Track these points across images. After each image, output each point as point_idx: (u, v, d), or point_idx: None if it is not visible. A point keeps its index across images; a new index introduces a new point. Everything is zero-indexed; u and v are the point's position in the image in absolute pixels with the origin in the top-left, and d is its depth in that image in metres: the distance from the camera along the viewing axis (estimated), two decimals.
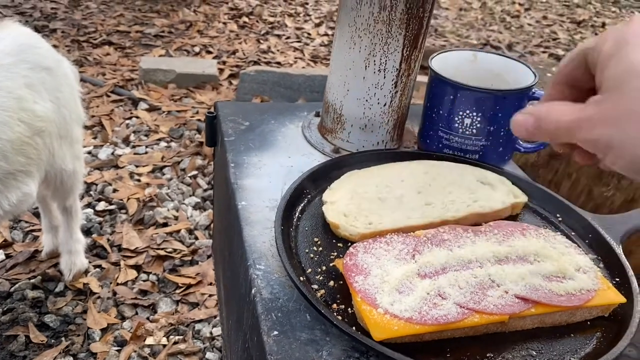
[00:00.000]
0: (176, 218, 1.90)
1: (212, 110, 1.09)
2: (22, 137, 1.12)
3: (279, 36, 3.72)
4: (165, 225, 1.86)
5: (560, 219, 0.87)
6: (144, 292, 1.60)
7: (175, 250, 1.76)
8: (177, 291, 1.62)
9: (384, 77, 0.94)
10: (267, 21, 3.96)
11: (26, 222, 1.81)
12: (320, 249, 0.76)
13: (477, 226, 0.79)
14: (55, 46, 3.22)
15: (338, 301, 0.68)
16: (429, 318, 0.63)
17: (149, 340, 1.44)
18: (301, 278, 0.68)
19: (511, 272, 0.69)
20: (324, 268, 0.73)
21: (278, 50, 3.48)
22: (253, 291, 0.69)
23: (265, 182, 0.89)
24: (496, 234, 0.76)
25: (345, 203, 0.82)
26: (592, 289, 0.69)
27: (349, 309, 0.67)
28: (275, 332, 0.63)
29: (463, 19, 4.65)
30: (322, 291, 0.69)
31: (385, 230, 0.78)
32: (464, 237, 0.76)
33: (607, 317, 0.70)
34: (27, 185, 1.17)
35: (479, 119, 0.94)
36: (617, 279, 0.75)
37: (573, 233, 0.85)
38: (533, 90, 0.95)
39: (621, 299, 0.70)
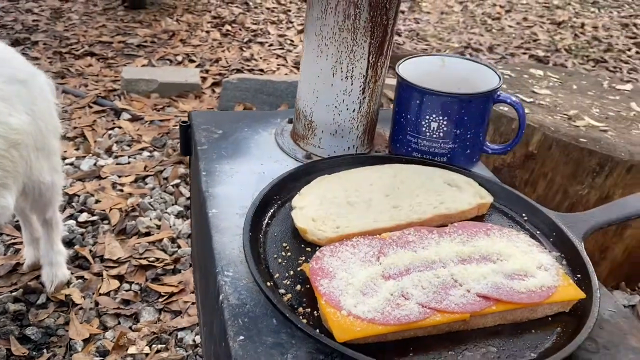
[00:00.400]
0: (159, 227, 1.91)
1: (186, 119, 1.11)
2: None
3: (261, 44, 3.74)
4: (147, 234, 1.87)
5: (525, 218, 0.89)
6: (126, 302, 1.61)
7: (157, 259, 1.76)
8: (160, 300, 1.62)
9: (352, 83, 0.95)
10: (250, 29, 3.98)
11: (7, 235, 1.81)
12: (289, 254, 0.77)
13: (442, 227, 0.81)
14: (36, 58, 3.23)
15: (304, 305, 0.69)
16: (391, 318, 0.64)
17: (132, 350, 1.44)
18: (268, 283, 0.70)
19: (473, 271, 0.71)
20: (291, 272, 0.74)
21: (261, 58, 3.50)
22: (221, 297, 0.70)
23: (236, 189, 0.91)
24: (460, 235, 0.78)
25: (315, 208, 0.84)
26: (553, 285, 0.71)
27: (315, 312, 0.68)
28: (242, 337, 0.65)
29: (444, 22, 4.69)
30: (289, 295, 0.70)
31: (352, 233, 0.79)
32: (428, 238, 0.77)
33: (568, 312, 0.72)
34: (4, 198, 1.17)
35: (445, 122, 0.96)
36: (579, 276, 0.77)
37: (538, 232, 0.87)
38: (498, 93, 0.98)
39: (581, 294, 0.72)
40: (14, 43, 3.38)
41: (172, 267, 1.75)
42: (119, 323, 1.54)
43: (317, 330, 0.64)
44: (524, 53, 4.13)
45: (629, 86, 2.28)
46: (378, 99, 1.01)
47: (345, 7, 0.88)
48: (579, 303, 0.72)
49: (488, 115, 1.00)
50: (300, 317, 0.66)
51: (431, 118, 0.96)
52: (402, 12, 4.83)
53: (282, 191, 0.88)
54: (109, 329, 1.52)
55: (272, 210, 0.85)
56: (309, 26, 0.94)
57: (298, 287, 0.72)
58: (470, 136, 0.98)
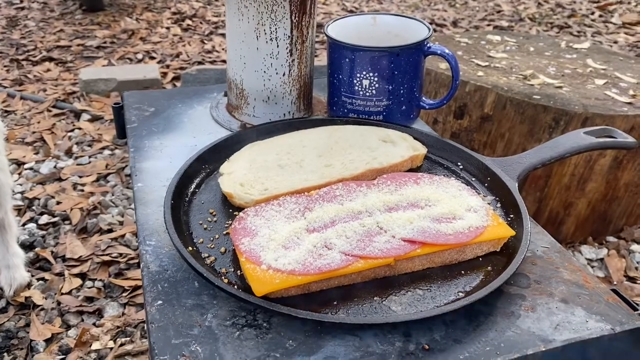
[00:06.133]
0: (121, 223, 1.88)
1: (118, 101, 1.08)
2: None
3: (223, 35, 3.70)
4: (110, 231, 1.84)
5: (461, 167, 0.88)
6: (89, 299, 1.58)
7: (121, 254, 1.73)
8: (124, 294, 1.59)
9: (277, 45, 0.93)
10: (211, 21, 3.93)
11: None
12: (215, 219, 0.75)
13: (372, 180, 0.79)
14: None
15: (228, 266, 0.67)
16: (312, 268, 0.62)
17: (95, 345, 1.41)
18: (189, 248, 0.68)
19: (399, 218, 0.70)
20: (216, 237, 0.72)
21: (223, 49, 3.46)
22: (142, 266, 0.68)
23: (165, 163, 0.88)
24: (389, 185, 0.77)
25: (243, 173, 0.82)
26: (481, 225, 0.70)
27: (238, 271, 0.66)
28: (160, 302, 0.63)
29: (408, 1, 4.67)
30: (212, 258, 0.68)
31: (280, 194, 0.77)
32: (356, 191, 0.76)
33: (499, 252, 0.71)
34: None
35: (376, 78, 0.94)
36: (512, 216, 0.76)
37: (474, 179, 0.85)
38: (428, 45, 0.96)
39: (510, 232, 0.71)
40: None
41: (136, 261, 1.72)
42: (82, 320, 1.51)
43: (241, 290, 0.62)
44: (488, 25, 4.13)
45: (586, 44, 2.28)
46: (309, 62, 0.99)
47: None
48: (510, 242, 0.71)
49: (421, 70, 0.98)
50: (222, 278, 0.65)
51: (362, 75, 0.95)
52: None
53: (211, 160, 0.86)
54: (71, 327, 1.49)
55: (199, 179, 0.83)
56: None
57: (222, 249, 0.70)
58: (404, 92, 0.97)
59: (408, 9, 4.47)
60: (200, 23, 3.90)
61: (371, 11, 4.27)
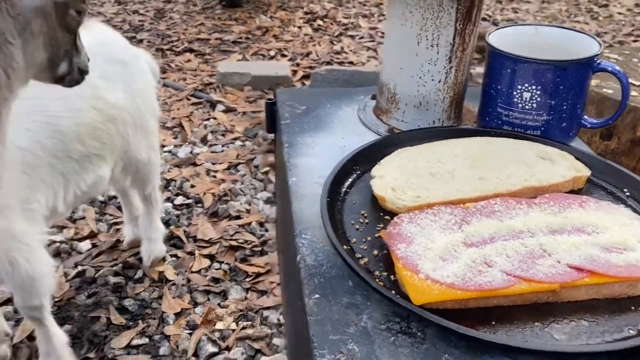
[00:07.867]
0: (248, 211, 1.96)
1: (271, 97, 1.12)
2: (95, 122, 1.21)
3: (352, 37, 3.74)
4: (238, 218, 1.93)
5: (628, 193, 0.81)
6: (216, 280, 1.66)
7: (246, 241, 1.81)
8: (247, 279, 1.66)
9: (437, 52, 0.92)
10: (341, 23, 4.00)
11: (110, 215, 1.94)
12: (367, 221, 0.76)
13: (532, 199, 0.76)
14: None
15: (380, 269, 0.68)
16: (472, 284, 0.61)
17: (219, 325, 1.49)
18: (345, 247, 0.69)
19: (565, 242, 0.66)
20: (368, 238, 0.73)
21: (351, 51, 3.50)
22: (298, 258, 0.70)
23: (317, 160, 0.91)
24: (552, 206, 0.73)
25: (395, 177, 0.82)
26: None
27: (392, 276, 0.66)
28: (317, 296, 0.64)
29: (545, 11, 4.45)
30: (366, 259, 0.69)
31: (433, 203, 0.76)
32: (516, 208, 0.73)
33: None
34: (101, 169, 1.26)
35: (538, 92, 0.90)
36: None
37: None
38: (598, 61, 0.90)
39: None
40: None
41: (259, 249, 1.79)
42: (209, 299, 1.60)
43: (399, 296, 0.62)
44: (635, 40, 3.82)
45: None
46: (466, 69, 0.97)
47: None
48: None
49: (587, 86, 0.93)
50: (377, 280, 0.65)
51: (523, 88, 0.91)
52: (500, 1, 4.64)
53: (362, 162, 0.87)
54: (198, 304, 1.58)
55: (351, 180, 0.84)
56: None
57: (375, 252, 0.70)
58: (567, 108, 0.92)
59: (545, 19, 4.25)
60: (331, 24, 3.98)
61: (514, 21, 4.12)
